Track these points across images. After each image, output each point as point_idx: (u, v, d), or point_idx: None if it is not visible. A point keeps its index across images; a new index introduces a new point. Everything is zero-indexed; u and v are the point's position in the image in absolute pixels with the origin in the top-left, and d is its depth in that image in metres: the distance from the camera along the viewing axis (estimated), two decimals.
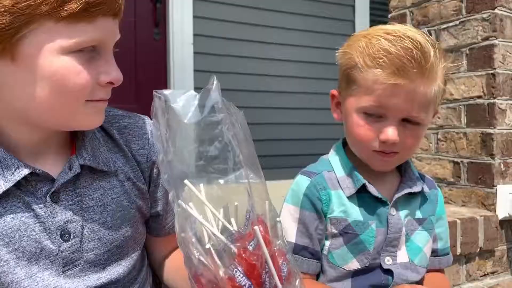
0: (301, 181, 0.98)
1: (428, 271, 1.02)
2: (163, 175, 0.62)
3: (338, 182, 0.97)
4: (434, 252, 1.03)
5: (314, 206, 0.95)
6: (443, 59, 0.89)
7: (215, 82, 0.62)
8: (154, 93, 0.62)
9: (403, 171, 1.01)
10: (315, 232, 0.95)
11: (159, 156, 0.62)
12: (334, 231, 0.94)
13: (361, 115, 0.91)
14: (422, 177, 1.04)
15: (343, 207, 0.95)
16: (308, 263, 0.95)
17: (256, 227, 0.55)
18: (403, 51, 0.84)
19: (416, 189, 0.98)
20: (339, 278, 0.95)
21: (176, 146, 0.61)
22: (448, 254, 1.06)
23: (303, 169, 1.02)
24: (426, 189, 1.02)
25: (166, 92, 0.62)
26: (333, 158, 1.01)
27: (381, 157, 0.92)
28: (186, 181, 0.60)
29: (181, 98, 0.62)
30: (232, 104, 0.65)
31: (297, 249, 0.95)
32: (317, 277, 0.99)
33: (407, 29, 0.89)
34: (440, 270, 1.06)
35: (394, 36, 0.86)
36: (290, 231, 0.96)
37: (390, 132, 0.87)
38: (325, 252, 0.96)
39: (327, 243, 0.96)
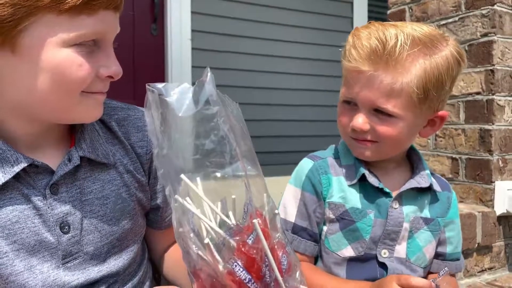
0: (305, 163, 1.01)
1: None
2: (158, 170, 0.61)
3: (342, 169, 0.99)
4: (442, 256, 1.02)
5: (315, 188, 0.97)
6: (426, 56, 0.87)
7: (209, 74, 0.61)
8: (147, 86, 0.61)
9: (415, 167, 1.01)
10: (313, 214, 0.97)
11: (154, 151, 0.61)
12: (332, 216, 0.96)
13: (341, 104, 0.96)
14: (435, 177, 1.04)
15: (342, 193, 0.96)
16: (305, 244, 0.97)
17: (255, 220, 0.55)
18: (367, 40, 0.87)
19: (423, 184, 0.97)
20: (334, 265, 0.96)
21: (171, 140, 0.60)
22: (458, 259, 1.05)
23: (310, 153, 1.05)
24: (437, 188, 1.00)
25: (159, 85, 0.61)
26: (342, 147, 1.03)
27: (356, 143, 0.95)
28: (182, 176, 0.60)
29: (175, 91, 0.61)
30: (227, 97, 0.64)
31: (296, 230, 0.97)
32: (315, 262, 1.00)
33: (402, 23, 0.90)
34: (451, 275, 1.04)
35: (371, 28, 0.90)
36: (290, 211, 0.98)
37: (358, 120, 0.90)
38: (322, 237, 0.98)
39: (325, 228, 0.97)
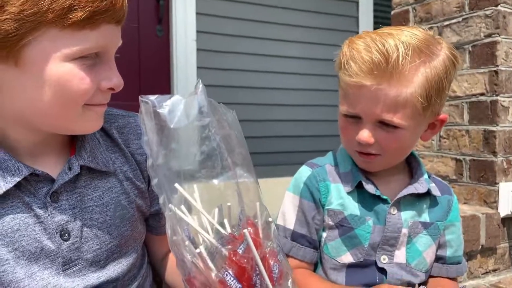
0: (303, 171, 1.02)
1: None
2: (152, 180, 0.62)
3: (340, 176, 0.99)
4: (442, 260, 1.02)
5: (313, 196, 0.98)
6: (426, 64, 0.86)
7: (200, 86, 0.63)
8: (140, 98, 0.63)
9: (414, 172, 1.01)
10: (312, 221, 0.98)
11: (148, 161, 0.63)
12: (331, 223, 0.97)
13: (343, 118, 0.94)
14: (435, 181, 1.04)
15: (341, 200, 0.97)
16: (305, 251, 0.98)
17: (245, 230, 0.56)
18: (367, 54, 0.86)
19: (420, 190, 0.97)
20: (334, 270, 0.97)
21: (165, 150, 0.62)
22: (459, 263, 1.04)
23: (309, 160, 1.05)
24: (436, 193, 1.00)
25: (152, 97, 0.63)
26: (340, 154, 1.03)
27: (361, 157, 0.95)
28: (176, 185, 0.61)
29: (167, 103, 0.63)
30: (222, 105, 0.65)
31: (295, 236, 0.98)
32: (315, 268, 1.01)
33: (396, 31, 0.89)
34: (452, 279, 1.04)
35: (367, 38, 0.88)
36: (289, 218, 0.99)
37: (363, 134, 0.90)
38: (321, 243, 0.99)
39: (324, 234, 0.98)
